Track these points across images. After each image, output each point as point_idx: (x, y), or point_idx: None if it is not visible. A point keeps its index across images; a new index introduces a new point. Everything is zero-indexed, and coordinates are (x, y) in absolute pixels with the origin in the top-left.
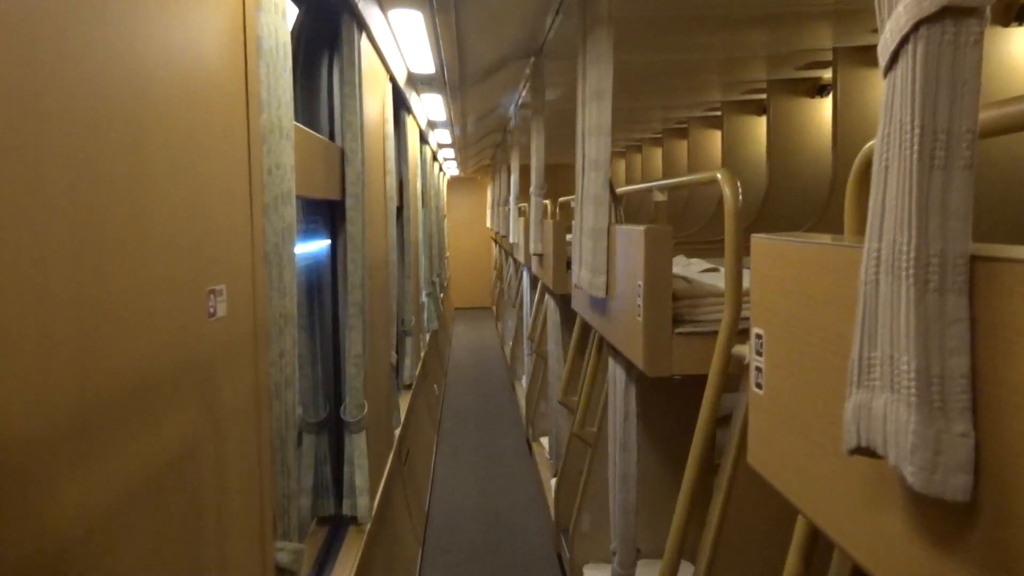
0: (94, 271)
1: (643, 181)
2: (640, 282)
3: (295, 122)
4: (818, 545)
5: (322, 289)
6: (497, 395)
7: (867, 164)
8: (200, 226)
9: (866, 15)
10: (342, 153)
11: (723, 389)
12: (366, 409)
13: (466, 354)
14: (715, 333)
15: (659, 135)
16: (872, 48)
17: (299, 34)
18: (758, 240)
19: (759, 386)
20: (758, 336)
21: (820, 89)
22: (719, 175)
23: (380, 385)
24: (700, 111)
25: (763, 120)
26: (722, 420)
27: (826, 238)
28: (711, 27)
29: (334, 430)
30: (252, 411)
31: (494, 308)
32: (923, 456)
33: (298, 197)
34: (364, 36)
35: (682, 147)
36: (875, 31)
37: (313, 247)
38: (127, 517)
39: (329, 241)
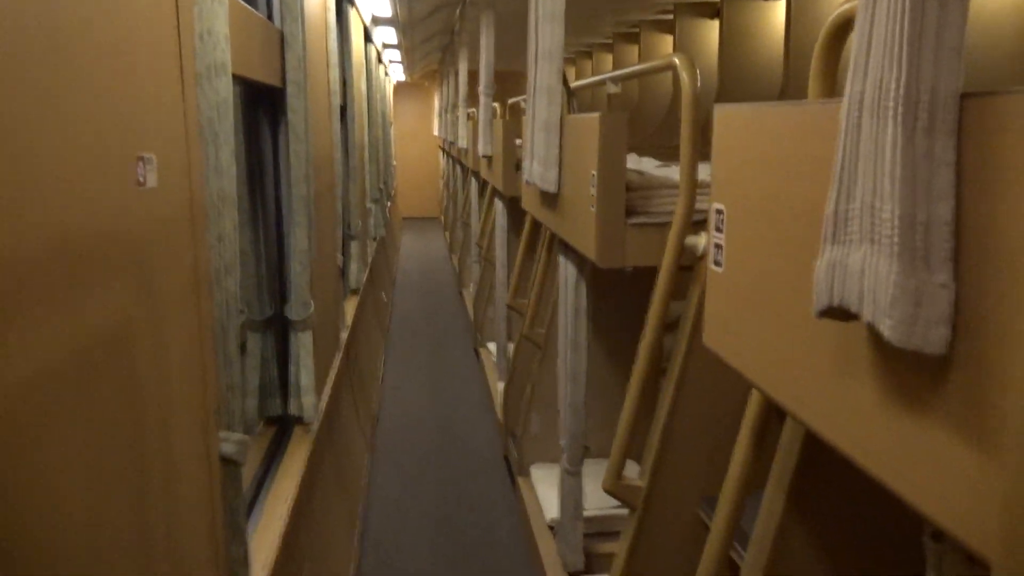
0: (6, 128)
1: (594, 93)
2: (594, 171)
3: None
4: (768, 429)
5: (264, 184)
6: (445, 303)
7: (839, 27)
8: (124, 90)
9: None
10: (281, 36)
11: (673, 291)
12: (312, 308)
13: (414, 263)
14: (668, 224)
15: (609, 40)
16: None
17: None
18: (722, 110)
19: (718, 264)
20: (719, 212)
21: None
22: (676, 60)
23: (326, 286)
24: (652, 14)
25: (716, 24)
26: (669, 327)
27: (794, 102)
28: None
29: (279, 329)
30: (191, 296)
31: (442, 218)
32: (903, 309)
33: (236, 78)
34: None
35: (633, 52)
36: None
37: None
38: (55, 396)
39: (270, 137)
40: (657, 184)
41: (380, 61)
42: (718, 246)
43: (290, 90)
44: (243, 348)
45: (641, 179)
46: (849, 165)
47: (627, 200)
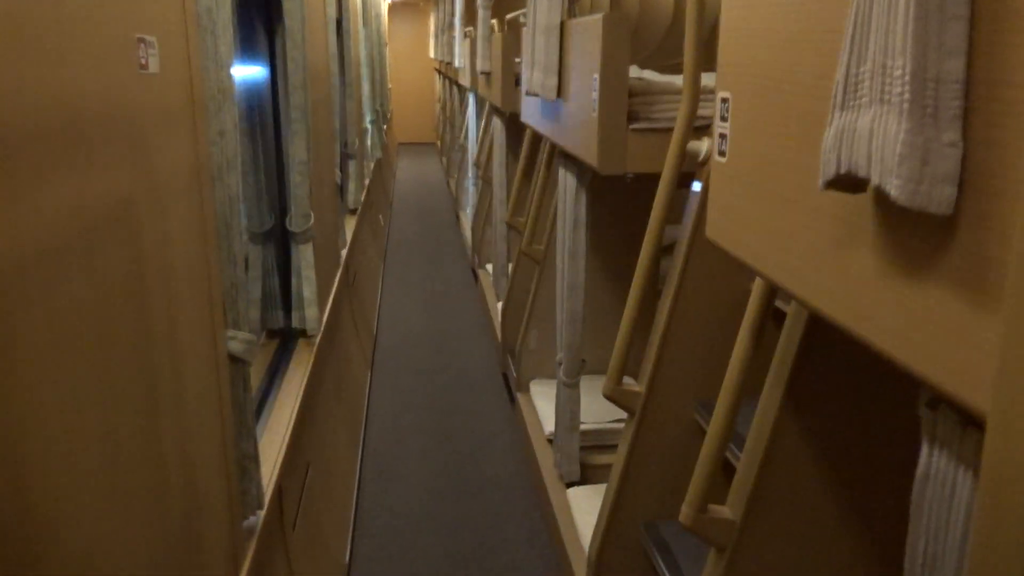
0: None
1: None
2: (596, 75)
3: None
4: (765, 332)
5: (261, 91)
6: (442, 226)
7: None
8: None
9: None
10: None
11: (672, 206)
12: (312, 220)
13: (411, 187)
14: (670, 131)
15: None
16: None
17: None
18: None
19: (722, 154)
20: (724, 100)
21: None
22: None
23: (325, 201)
24: None
25: None
26: (665, 250)
27: None
28: None
29: (281, 241)
30: (194, 189)
31: (438, 143)
32: (910, 167)
33: None
34: None
35: None
36: None
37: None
38: (59, 272)
39: (267, 42)
40: (659, 90)
41: None
42: (723, 135)
43: None
44: (244, 260)
45: (643, 85)
46: (861, 26)
47: (629, 106)
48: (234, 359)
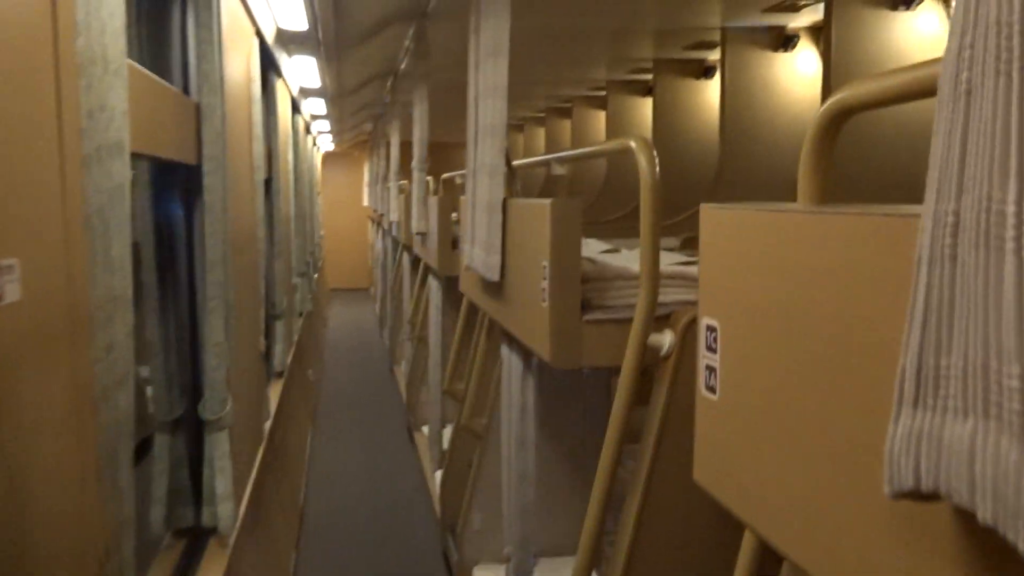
0: None
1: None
2: (546, 263)
3: (132, 61)
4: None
5: (177, 269)
6: (377, 381)
7: (833, 120)
8: None
9: None
10: (198, 109)
11: (636, 394)
12: (229, 404)
13: (343, 336)
14: (628, 320)
15: (542, 114)
16: (760, 29)
17: None
18: (711, 212)
19: (711, 390)
20: (710, 329)
21: (705, 71)
22: (633, 144)
23: (246, 375)
24: (585, 89)
25: (647, 101)
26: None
27: (799, 206)
28: None
29: (193, 429)
30: (70, 422)
31: (372, 289)
32: None
33: (142, 156)
34: None
35: (565, 127)
36: (765, 11)
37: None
38: None
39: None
40: (613, 275)
41: (308, 131)
42: (710, 368)
43: (207, 167)
44: (148, 451)
45: (596, 269)
46: (939, 308)
47: (582, 292)
48: None
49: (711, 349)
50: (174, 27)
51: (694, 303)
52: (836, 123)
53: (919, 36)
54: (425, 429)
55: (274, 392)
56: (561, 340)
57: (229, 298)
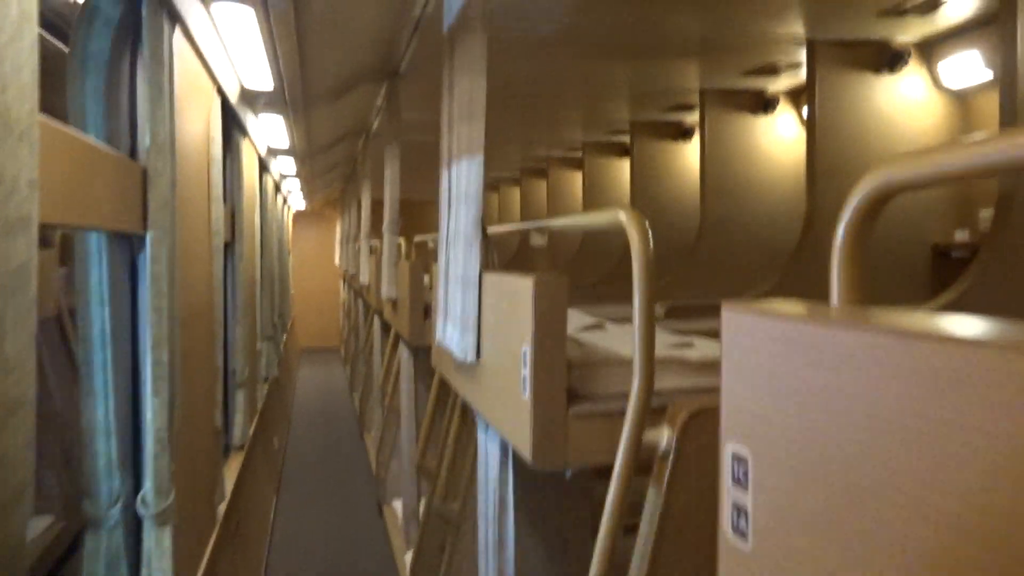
0: None
1: (502, 223)
2: (527, 348)
3: (62, 123)
4: None
5: (118, 347)
6: (346, 448)
7: (873, 203)
8: None
9: (733, 55)
10: (144, 174)
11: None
12: (172, 496)
13: (312, 399)
14: (620, 413)
15: (517, 174)
16: (740, 92)
17: (89, 17)
18: (734, 315)
19: (741, 534)
20: (738, 459)
21: (683, 132)
22: (622, 215)
23: (198, 457)
24: (561, 151)
25: (624, 163)
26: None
27: (836, 311)
28: (576, 54)
29: (131, 522)
30: None
31: (343, 350)
32: None
33: (66, 228)
34: (179, 32)
35: (541, 187)
36: (744, 73)
37: None
38: None
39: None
40: (601, 359)
41: (278, 191)
42: (739, 508)
43: (153, 236)
44: (80, 549)
45: (582, 353)
46: None
47: (567, 380)
48: None
49: (739, 483)
50: (122, 84)
51: (692, 391)
52: (876, 206)
53: (904, 100)
54: (395, 504)
55: (232, 468)
56: (544, 437)
57: (175, 378)
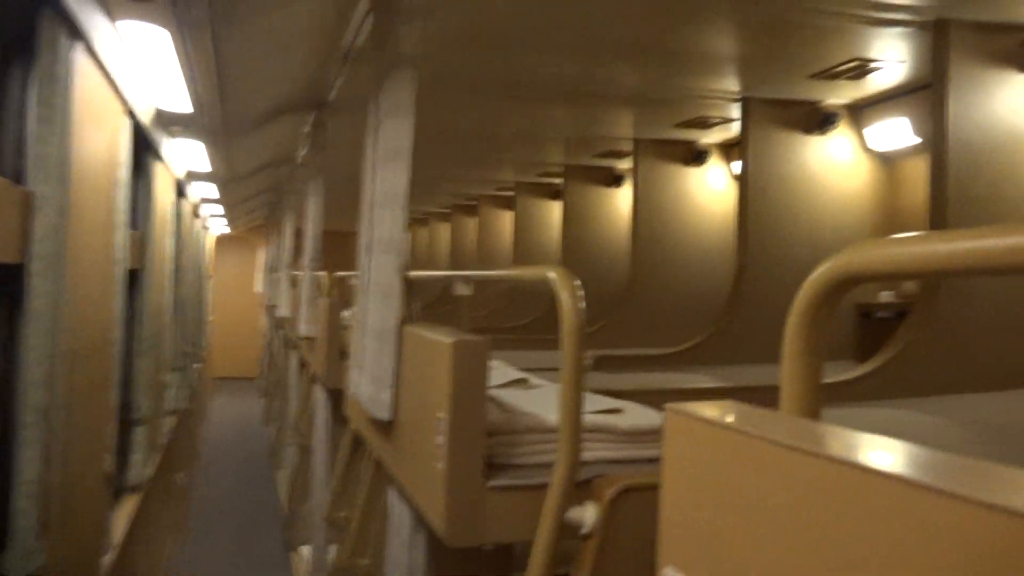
0: None
1: (430, 259)
2: (443, 415)
3: None
4: None
5: None
6: (256, 485)
7: (831, 291)
8: None
9: (667, 107)
10: (27, 199)
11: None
12: (43, 557)
13: (225, 432)
14: (542, 486)
15: (448, 210)
16: (672, 142)
17: None
18: (678, 417)
19: None
20: None
21: (615, 179)
22: (551, 275)
23: (79, 507)
24: (492, 189)
25: (555, 204)
26: None
27: (785, 423)
28: (513, 97)
29: None
30: None
31: (261, 381)
32: None
33: None
34: (82, 49)
35: (471, 224)
36: (677, 125)
37: None
38: None
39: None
40: (524, 427)
41: (197, 215)
42: None
43: (35, 267)
44: None
45: (505, 419)
46: None
47: (486, 447)
48: None
49: None
50: (11, 104)
51: (621, 462)
52: (834, 295)
53: (832, 161)
54: (304, 550)
55: (124, 513)
56: (458, 513)
57: (54, 425)
